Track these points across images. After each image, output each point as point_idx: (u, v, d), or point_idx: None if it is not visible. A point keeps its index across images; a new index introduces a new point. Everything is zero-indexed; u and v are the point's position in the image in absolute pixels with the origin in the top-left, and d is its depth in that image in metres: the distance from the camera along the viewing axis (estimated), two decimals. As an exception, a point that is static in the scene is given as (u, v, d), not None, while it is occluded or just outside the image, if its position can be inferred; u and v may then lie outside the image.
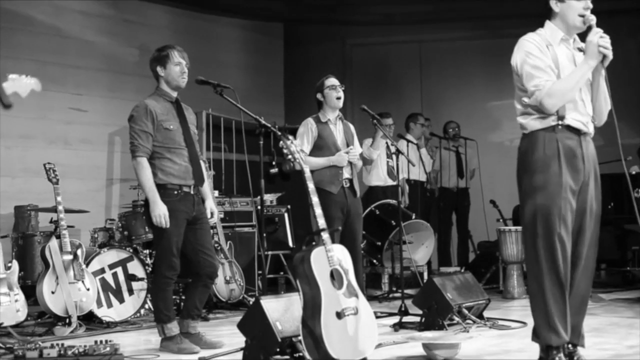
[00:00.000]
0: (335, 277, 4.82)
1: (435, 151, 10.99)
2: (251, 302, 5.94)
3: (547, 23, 4.40)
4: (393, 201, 9.03)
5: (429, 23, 12.18)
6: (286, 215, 9.24)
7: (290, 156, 5.22)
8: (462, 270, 8.55)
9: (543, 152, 4.21)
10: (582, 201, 4.26)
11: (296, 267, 4.85)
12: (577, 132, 4.27)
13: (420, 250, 9.22)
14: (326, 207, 6.67)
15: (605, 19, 11.61)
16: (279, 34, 12.50)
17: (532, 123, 4.30)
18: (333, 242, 4.94)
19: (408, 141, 9.89)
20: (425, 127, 10.73)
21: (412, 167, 9.44)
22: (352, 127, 7.34)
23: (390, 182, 9.74)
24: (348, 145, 7.11)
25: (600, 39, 4.14)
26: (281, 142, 5.21)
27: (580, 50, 4.36)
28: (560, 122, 4.23)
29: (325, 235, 4.88)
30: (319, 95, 7.20)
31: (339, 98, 7.11)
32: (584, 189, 4.27)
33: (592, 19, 4.22)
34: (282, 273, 9.48)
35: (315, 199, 5.02)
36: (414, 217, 8.99)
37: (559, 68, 4.25)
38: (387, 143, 9.50)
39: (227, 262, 8.10)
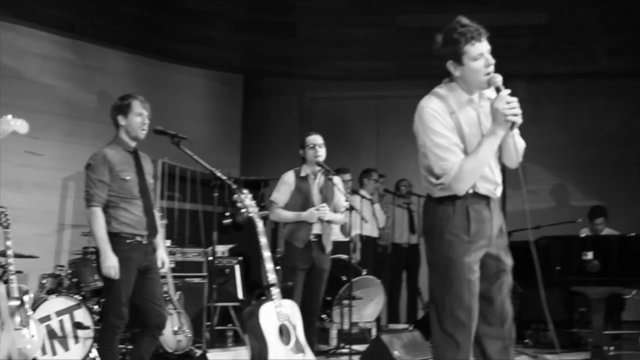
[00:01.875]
0: (284, 332, 4.84)
1: (389, 207, 11.07)
2: (198, 355, 5.92)
3: (449, 83, 4.09)
4: (344, 256, 9.06)
5: (387, 80, 12.35)
6: (237, 267, 9.23)
7: (244, 210, 5.25)
8: (411, 328, 8.57)
9: (452, 221, 4.00)
10: (490, 267, 4.10)
11: (245, 321, 4.87)
12: (485, 198, 4.07)
13: (369, 306, 9.25)
14: (291, 259, 6.74)
15: (561, 81, 12.03)
16: (238, 85, 12.58)
17: (441, 190, 4.02)
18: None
19: (362, 197, 9.97)
20: (379, 183, 10.83)
21: (365, 223, 9.49)
22: (337, 181, 7.36)
23: (342, 238, 9.78)
24: (325, 202, 7.15)
25: (506, 105, 3.83)
26: (235, 195, 5.25)
27: (489, 99, 4.07)
28: (470, 190, 4.00)
29: (275, 291, 4.91)
30: (301, 151, 7.24)
31: (316, 157, 7.15)
32: (492, 256, 4.10)
33: (498, 80, 3.91)
34: (230, 325, 9.43)
35: (267, 254, 5.05)
36: (364, 273, 9.03)
37: (465, 139, 3.98)
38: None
39: (176, 312, 8.05)
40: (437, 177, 3.96)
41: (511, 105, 3.84)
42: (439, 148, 3.92)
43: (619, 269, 8.32)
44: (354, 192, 10.07)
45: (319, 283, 7.04)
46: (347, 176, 9.77)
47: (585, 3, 10.79)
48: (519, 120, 3.85)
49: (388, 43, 11.64)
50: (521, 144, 4.19)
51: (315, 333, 7.17)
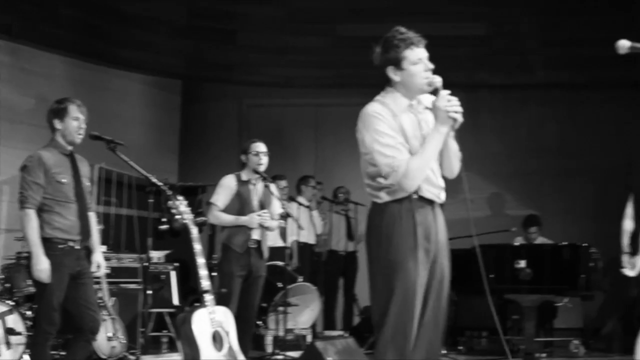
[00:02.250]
0: (217, 339, 4.84)
1: (327, 214, 11.11)
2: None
3: (390, 90, 4.17)
4: (280, 263, 9.08)
5: (326, 88, 12.40)
6: (173, 273, 9.19)
7: (179, 216, 5.25)
8: (346, 335, 8.62)
9: (399, 226, 4.03)
10: (433, 272, 4.12)
11: (178, 328, 4.87)
12: (430, 202, 4.13)
13: (305, 313, 9.27)
14: (229, 264, 6.73)
15: (499, 92, 12.21)
16: (177, 90, 12.51)
17: (386, 194, 4.08)
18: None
19: (299, 204, 10.01)
20: (316, 190, 10.87)
21: (301, 230, 9.56)
22: (274, 188, 7.39)
23: (280, 244, 9.81)
24: (263, 208, 7.15)
25: (447, 103, 3.96)
26: (170, 201, 5.24)
27: (428, 108, 4.17)
28: (414, 194, 4.06)
29: (208, 297, 4.91)
30: (242, 157, 7.24)
31: (259, 164, 7.16)
32: (435, 260, 4.13)
33: (438, 82, 4.03)
34: (165, 331, 9.38)
35: (201, 260, 5.05)
36: (300, 279, 9.05)
37: (409, 141, 4.06)
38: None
39: (110, 318, 7.99)
40: (385, 178, 4.02)
41: (452, 103, 3.96)
42: (386, 147, 3.98)
43: (551, 278, 8.49)
44: (291, 199, 10.10)
45: (255, 289, 7.04)
46: (284, 183, 9.81)
47: (523, 16, 11.00)
48: (460, 117, 3.97)
49: (328, 52, 11.73)
50: (458, 154, 4.25)
51: (251, 339, 7.18)
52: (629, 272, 5.56)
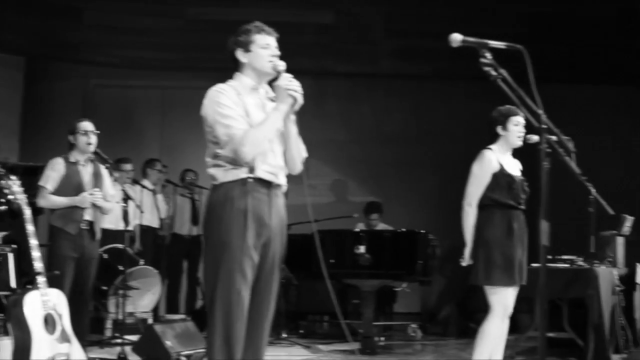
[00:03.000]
0: (49, 322, 4.77)
1: (171, 197, 11.04)
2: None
3: (237, 74, 4.34)
4: (121, 246, 8.97)
5: (174, 71, 12.32)
6: (11, 255, 8.93)
7: (12, 196, 5.13)
8: (187, 318, 8.60)
9: (232, 207, 4.12)
10: (265, 256, 4.21)
11: (9, 310, 4.77)
12: (267, 185, 4.22)
13: (146, 296, 9.18)
14: (61, 247, 6.61)
15: (345, 80, 12.38)
16: (20, 68, 12.16)
17: (223, 174, 4.18)
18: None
19: (142, 187, 9.91)
20: (162, 174, 10.79)
21: (145, 213, 9.47)
22: (103, 169, 7.25)
23: (122, 227, 9.68)
24: (95, 188, 7.02)
25: (288, 82, 4.16)
26: (2, 181, 5.12)
27: (272, 100, 4.31)
28: (251, 175, 4.15)
29: (41, 279, 4.83)
30: (70, 137, 7.07)
31: (89, 144, 7.02)
32: (267, 244, 4.21)
33: (282, 66, 4.21)
34: (2, 315, 9.13)
35: (33, 242, 4.96)
36: (141, 263, 8.97)
37: (250, 117, 4.19)
38: (122, 188, 9.46)
39: (-57, 300, 7.76)
40: (223, 148, 4.12)
41: (292, 83, 4.16)
42: (226, 117, 4.11)
43: (390, 263, 8.70)
44: (135, 181, 9.99)
45: (88, 272, 6.94)
46: (129, 166, 9.70)
47: (369, 6, 11.18)
48: (299, 97, 4.14)
49: (176, 34, 11.63)
50: (303, 152, 4.38)
51: (88, 323, 7.08)
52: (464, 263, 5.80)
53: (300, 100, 4.15)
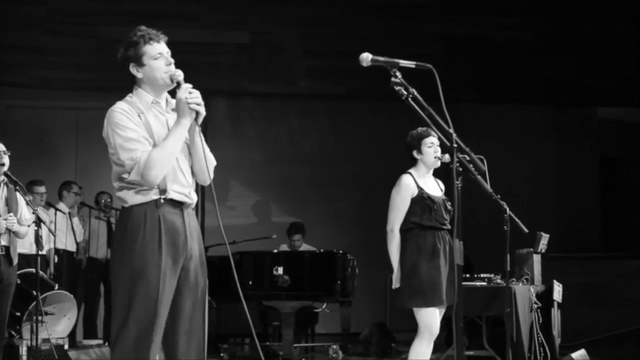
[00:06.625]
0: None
1: (86, 221, 10.86)
2: None
3: (135, 89, 4.11)
4: (34, 271, 8.77)
5: (88, 91, 12.13)
6: None
7: None
8: (104, 344, 8.48)
9: (144, 231, 3.95)
10: (185, 277, 4.05)
11: None
12: (179, 205, 4.07)
13: (62, 321, 8.99)
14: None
15: (261, 101, 12.37)
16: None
17: (133, 197, 4.01)
18: None
19: (57, 210, 9.73)
20: (78, 196, 10.61)
21: (61, 237, 9.28)
22: (17, 194, 7.06)
23: (33, 251, 9.47)
24: (9, 212, 6.84)
25: (189, 95, 3.94)
26: None
27: (174, 110, 4.11)
28: (162, 196, 4.00)
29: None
30: None
31: (2, 164, 6.85)
32: (186, 265, 4.05)
33: (179, 75, 4.03)
34: None
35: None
36: (56, 287, 8.79)
37: (154, 137, 4.00)
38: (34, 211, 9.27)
39: None
40: (129, 174, 3.94)
41: (193, 95, 3.95)
42: (128, 141, 3.91)
43: (310, 284, 8.70)
44: (49, 205, 9.79)
45: (5, 298, 6.79)
46: (42, 188, 9.51)
47: (285, 26, 11.20)
48: (202, 109, 3.96)
49: (89, 54, 11.50)
50: (212, 160, 4.19)
51: (1, 350, 6.91)
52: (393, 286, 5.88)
53: (203, 111, 3.98)
